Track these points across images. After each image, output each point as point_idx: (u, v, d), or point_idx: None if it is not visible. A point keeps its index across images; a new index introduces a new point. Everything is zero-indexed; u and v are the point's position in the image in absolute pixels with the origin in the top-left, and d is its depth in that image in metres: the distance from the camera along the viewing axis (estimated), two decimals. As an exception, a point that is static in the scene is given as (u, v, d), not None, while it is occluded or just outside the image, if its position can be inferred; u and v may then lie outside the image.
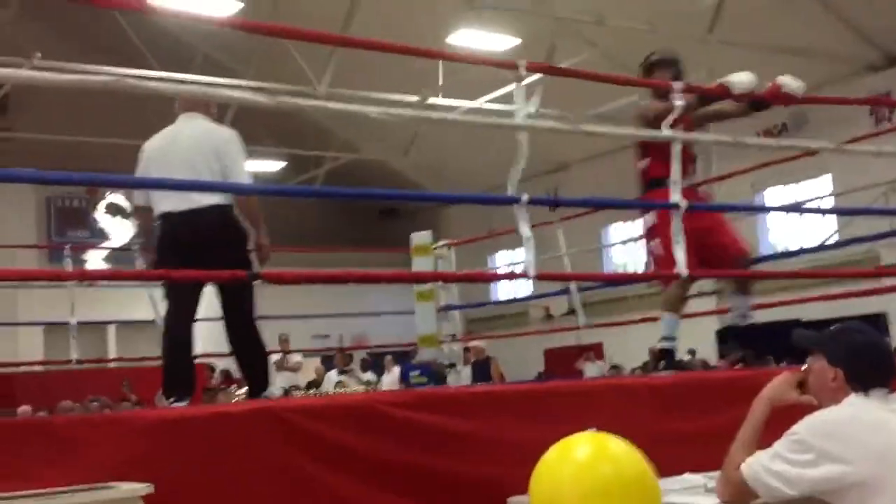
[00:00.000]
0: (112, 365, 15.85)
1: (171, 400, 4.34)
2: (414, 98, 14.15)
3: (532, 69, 4.10)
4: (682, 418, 3.73)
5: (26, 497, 2.46)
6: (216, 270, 4.11)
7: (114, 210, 19.82)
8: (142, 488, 2.50)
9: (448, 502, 3.16)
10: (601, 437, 2.35)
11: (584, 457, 2.30)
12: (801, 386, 2.75)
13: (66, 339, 8.16)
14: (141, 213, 4.74)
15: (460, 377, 10.48)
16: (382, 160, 20.16)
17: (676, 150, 4.36)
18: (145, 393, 10.13)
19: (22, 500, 2.44)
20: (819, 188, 14.96)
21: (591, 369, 15.58)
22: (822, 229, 14.48)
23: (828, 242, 13.23)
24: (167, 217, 4.49)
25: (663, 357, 5.09)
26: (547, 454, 2.36)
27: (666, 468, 2.46)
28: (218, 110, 4.88)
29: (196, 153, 4.46)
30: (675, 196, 4.33)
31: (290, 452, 2.98)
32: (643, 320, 8.69)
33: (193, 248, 4.34)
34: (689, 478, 3.04)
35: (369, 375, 13.51)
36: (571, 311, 14.88)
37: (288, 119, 16.85)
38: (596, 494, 2.21)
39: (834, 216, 14.05)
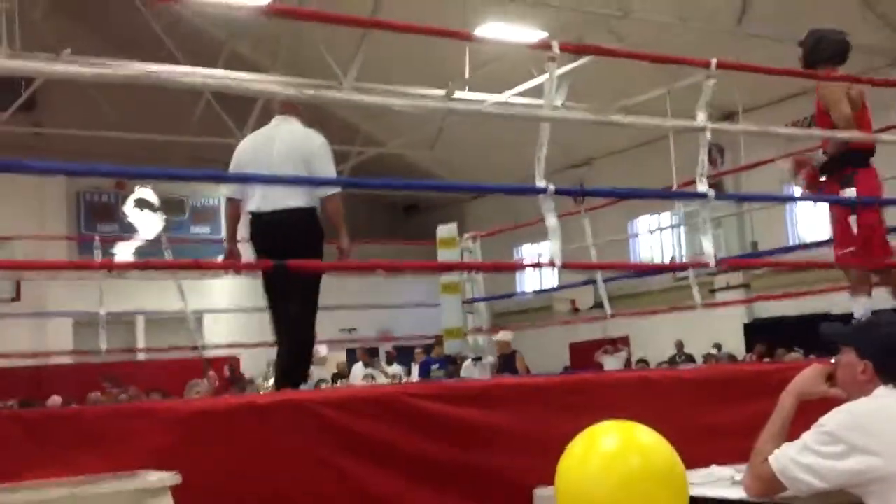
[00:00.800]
0: (141, 356, 16.00)
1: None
2: (439, 92, 14.14)
3: (565, 50, 4.11)
4: (709, 411, 3.71)
5: (56, 485, 2.49)
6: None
7: (142, 204, 19.95)
8: (169, 478, 2.52)
9: (474, 493, 3.17)
10: (629, 427, 2.31)
11: (613, 447, 2.26)
12: (830, 379, 2.72)
13: (96, 332, 8.27)
14: (230, 204, 4.89)
15: (486, 370, 10.47)
16: (406, 156, 20.17)
17: (704, 139, 4.30)
18: (173, 385, 10.20)
19: (51, 488, 2.47)
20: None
21: (611, 362, 15.31)
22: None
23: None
24: (253, 216, 4.70)
25: None
26: (573, 443, 2.32)
27: (693, 461, 2.45)
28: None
29: (285, 158, 4.60)
30: (702, 186, 4.29)
31: (318, 443, 2.99)
32: (671, 310, 8.69)
33: (275, 246, 4.47)
34: (717, 470, 3.02)
35: (395, 368, 13.52)
36: (597, 305, 14.87)
37: (313, 114, 16.85)
38: (624, 486, 2.17)
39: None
